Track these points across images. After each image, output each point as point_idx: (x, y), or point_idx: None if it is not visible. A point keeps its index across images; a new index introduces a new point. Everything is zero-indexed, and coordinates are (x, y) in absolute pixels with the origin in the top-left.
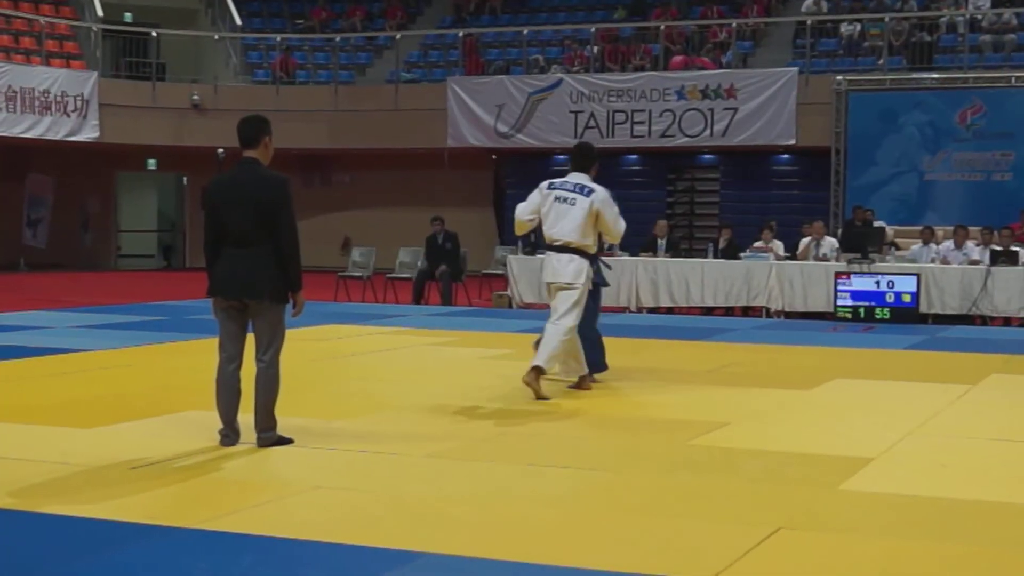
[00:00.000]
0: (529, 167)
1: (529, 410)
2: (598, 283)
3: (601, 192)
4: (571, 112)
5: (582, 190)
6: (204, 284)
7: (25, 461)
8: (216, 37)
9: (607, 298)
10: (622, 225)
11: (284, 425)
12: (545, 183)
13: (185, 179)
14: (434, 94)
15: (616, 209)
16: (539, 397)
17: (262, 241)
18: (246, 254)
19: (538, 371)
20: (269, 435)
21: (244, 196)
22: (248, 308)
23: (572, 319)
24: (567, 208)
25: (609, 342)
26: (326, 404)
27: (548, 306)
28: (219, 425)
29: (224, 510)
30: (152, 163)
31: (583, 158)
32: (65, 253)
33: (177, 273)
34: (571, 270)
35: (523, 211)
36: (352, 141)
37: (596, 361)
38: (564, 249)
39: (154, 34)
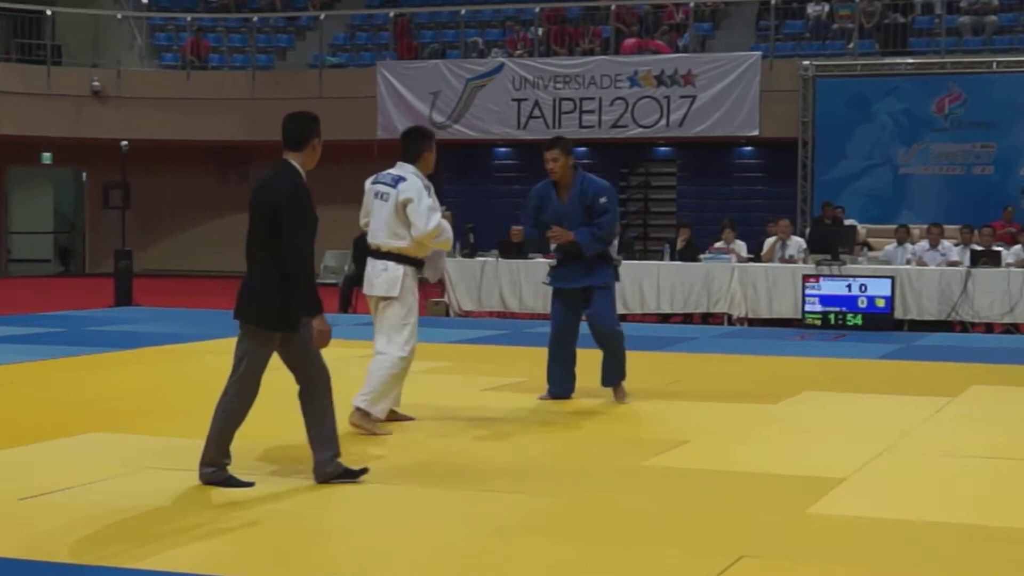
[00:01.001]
0: (468, 161)
1: (466, 429)
2: (559, 287)
3: (414, 181)
4: (514, 100)
5: (396, 181)
6: (106, 290)
7: None
8: (119, 16)
9: (541, 304)
10: (433, 222)
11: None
12: (371, 177)
13: (84, 175)
14: (362, 80)
15: (429, 201)
16: (376, 434)
17: (264, 256)
18: (249, 270)
19: (362, 413)
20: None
21: (254, 204)
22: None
23: (399, 348)
24: (380, 204)
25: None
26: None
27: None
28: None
29: (122, 546)
30: (47, 157)
31: (410, 143)
32: None
33: (76, 279)
34: (383, 280)
35: (361, 213)
36: (272, 132)
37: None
38: (377, 254)
39: (49, 12)
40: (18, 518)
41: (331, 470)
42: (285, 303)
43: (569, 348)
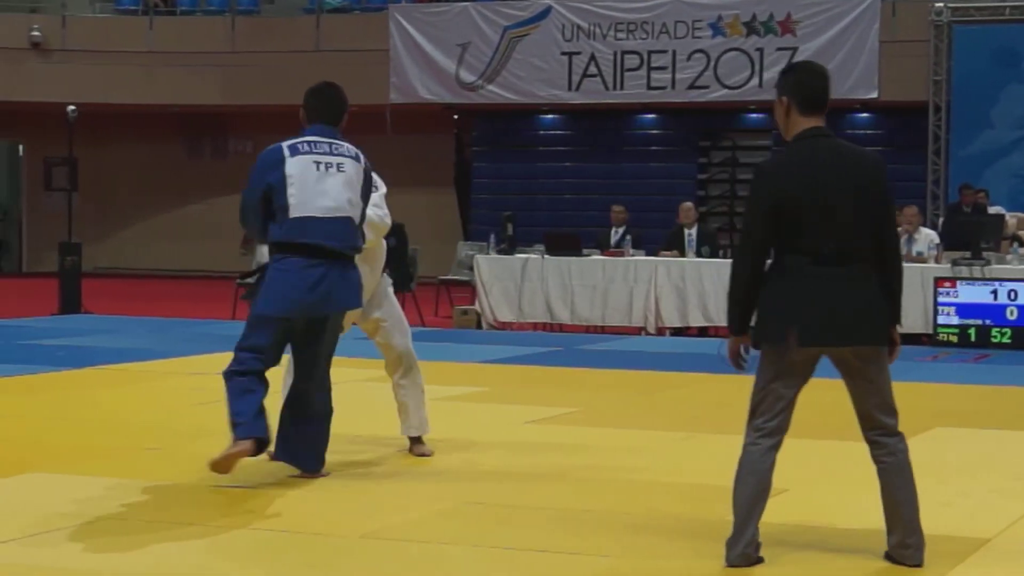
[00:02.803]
0: (505, 131)
1: (504, 472)
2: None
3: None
4: (563, 54)
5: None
6: (49, 293)
7: None
8: None
9: (616, 315)
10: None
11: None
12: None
13: (21, 148)
14: (371, 29)
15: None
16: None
17: (865, 256)
18: (846, 275)
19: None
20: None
21: (843, 186)
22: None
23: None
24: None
25: (616, 376)
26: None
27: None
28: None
29: None
30: None
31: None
32: None
33: (11, 280)
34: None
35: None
36: (255, 95)
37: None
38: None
39: None
40: None
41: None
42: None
43: None
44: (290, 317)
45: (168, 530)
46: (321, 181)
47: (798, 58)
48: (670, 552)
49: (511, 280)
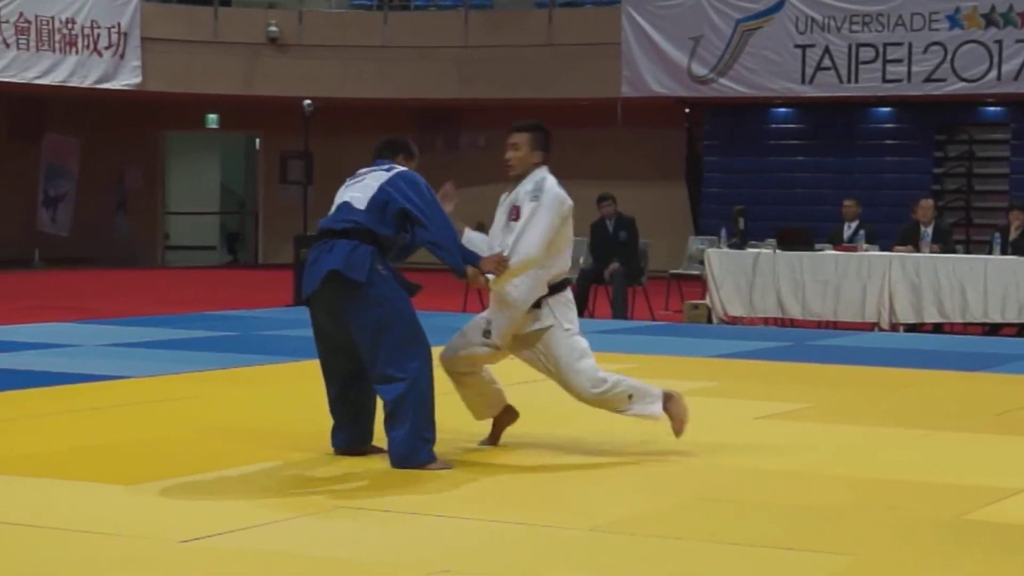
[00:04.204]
0: (737, 125)
1: (735, 468)
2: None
3: None
4: (797, 47)
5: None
6: (284, 285)
7: (40, 528)
8: None
9: (848, 310)
10: None
11: None
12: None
13: (258, 142)
14: (603, 22)
15: None
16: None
17: None
18: None
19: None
20: None
21: None
22: None
23: None
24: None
25: (848, 372)
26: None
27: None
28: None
29: None
30: (213, 119)
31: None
32: (94, 243)
33: (246, 271)
34: None
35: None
36: (487, 89)
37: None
38: None
39: None
40: (175, 566)
41: None
42: None
43: None
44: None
45: (405, 520)
46: (339, 197)
47: None
48: (909, 551)
49: (742, 274)
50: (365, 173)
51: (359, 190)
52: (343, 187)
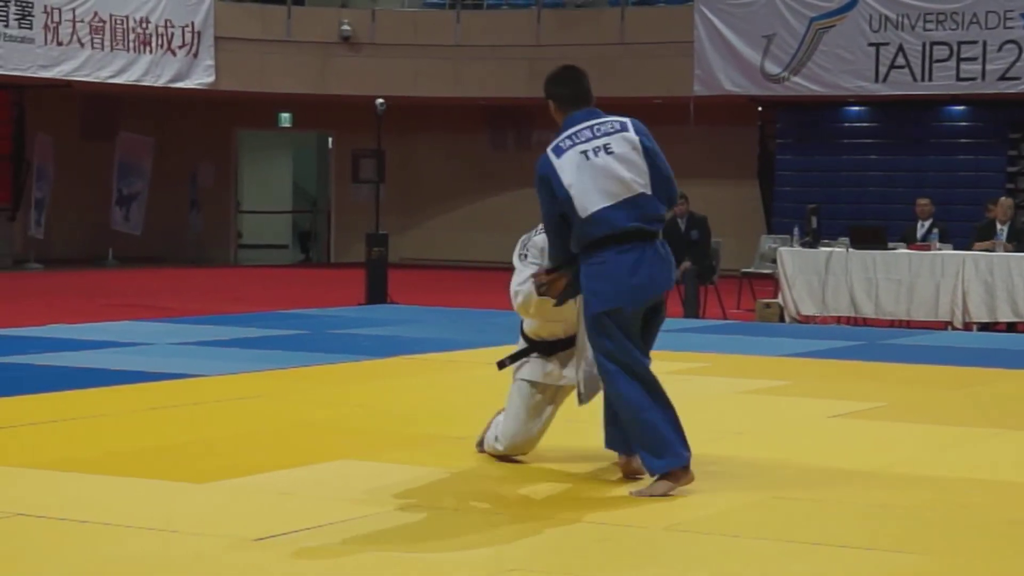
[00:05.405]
0: (810, 123)
1: (806, 467)
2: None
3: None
4: (870, 45)
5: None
6: (356, 284)
7: (115, 527)
8: None
9: (921, 309)
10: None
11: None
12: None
13: (331, 140)
14: (675, 21)
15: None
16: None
17: None
18: None
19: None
20: None
21: None
22: None
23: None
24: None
25: (921, 371)
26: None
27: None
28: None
29: None
30: (286, 118)
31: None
32: (167, 242)
33: (318, 270)
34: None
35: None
36: None
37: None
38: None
39: None
40: (249, 564)
41: None
42: None
43: None
44: (622, 307)
45: (478, 518)
46: (593, 170)
47: None
48: (985, 551)
49: (815, 273)
50: (595, 133)
51: (621, 165)
52: (584, 156)
